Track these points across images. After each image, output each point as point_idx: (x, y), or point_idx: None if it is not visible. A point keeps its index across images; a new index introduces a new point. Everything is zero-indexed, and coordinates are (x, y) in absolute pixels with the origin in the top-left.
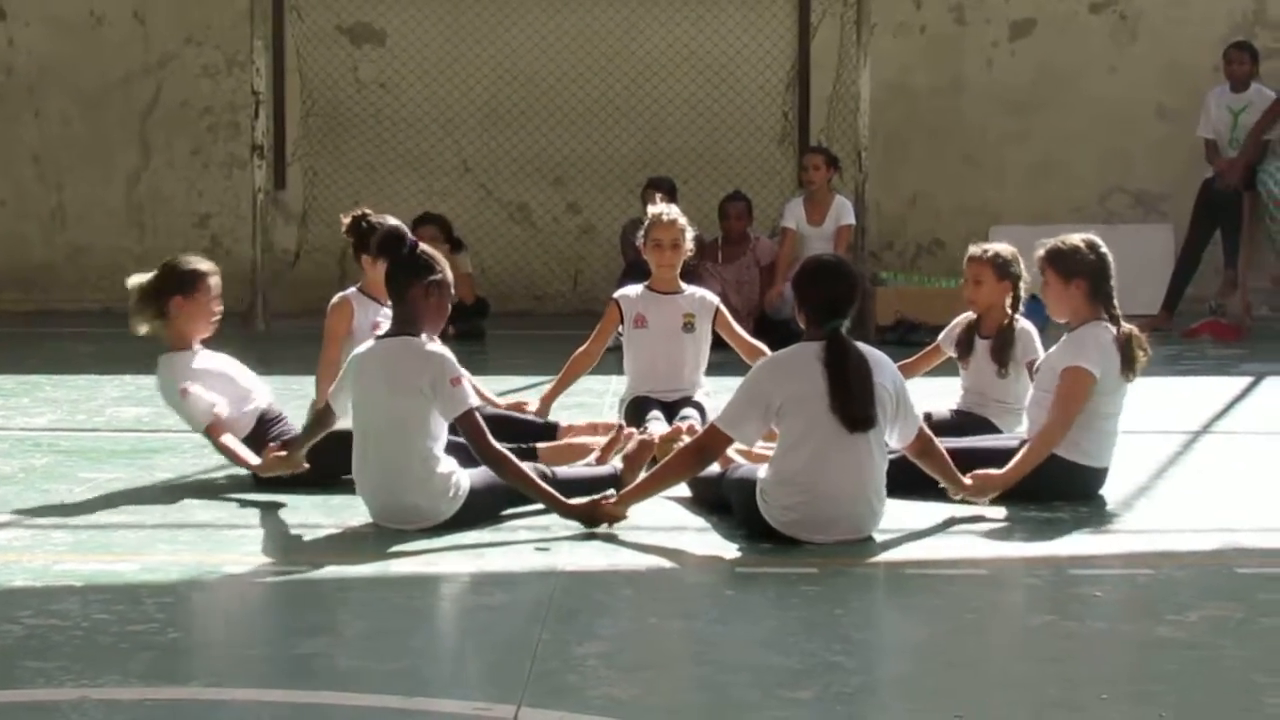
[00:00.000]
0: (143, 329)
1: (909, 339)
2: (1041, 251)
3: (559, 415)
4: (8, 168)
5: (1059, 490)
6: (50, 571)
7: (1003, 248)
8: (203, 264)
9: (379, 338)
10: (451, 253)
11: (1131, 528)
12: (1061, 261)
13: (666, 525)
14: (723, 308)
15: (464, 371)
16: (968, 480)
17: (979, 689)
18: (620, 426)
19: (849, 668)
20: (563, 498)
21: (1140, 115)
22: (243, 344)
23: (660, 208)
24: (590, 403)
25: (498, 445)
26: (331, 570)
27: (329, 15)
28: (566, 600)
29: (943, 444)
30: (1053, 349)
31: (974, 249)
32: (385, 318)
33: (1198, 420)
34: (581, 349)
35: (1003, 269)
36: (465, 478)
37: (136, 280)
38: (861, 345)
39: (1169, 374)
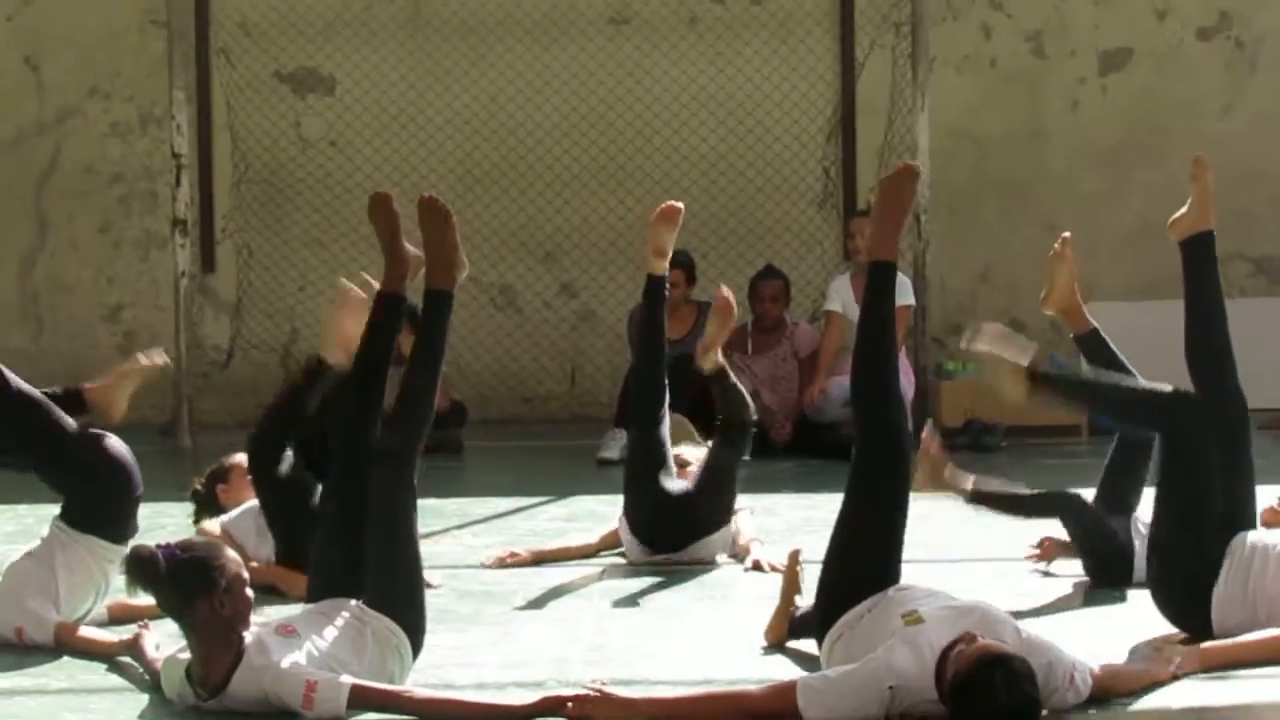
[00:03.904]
0: None
1: (982, 442)
2: None
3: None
4: None
5: None
6: None
7: None
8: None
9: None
10: None
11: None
12: None
13: (687, 681)
14: None
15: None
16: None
17: None
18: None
19: None
20: (504, 704)
21: (1263, 164)
22: (162, 462)
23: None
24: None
25: (403, 694)
26: None
27: (265, 60)
28: None
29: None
30: None
31: None
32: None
33: None
34: (579, 543)
35: None
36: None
37: None
38: None
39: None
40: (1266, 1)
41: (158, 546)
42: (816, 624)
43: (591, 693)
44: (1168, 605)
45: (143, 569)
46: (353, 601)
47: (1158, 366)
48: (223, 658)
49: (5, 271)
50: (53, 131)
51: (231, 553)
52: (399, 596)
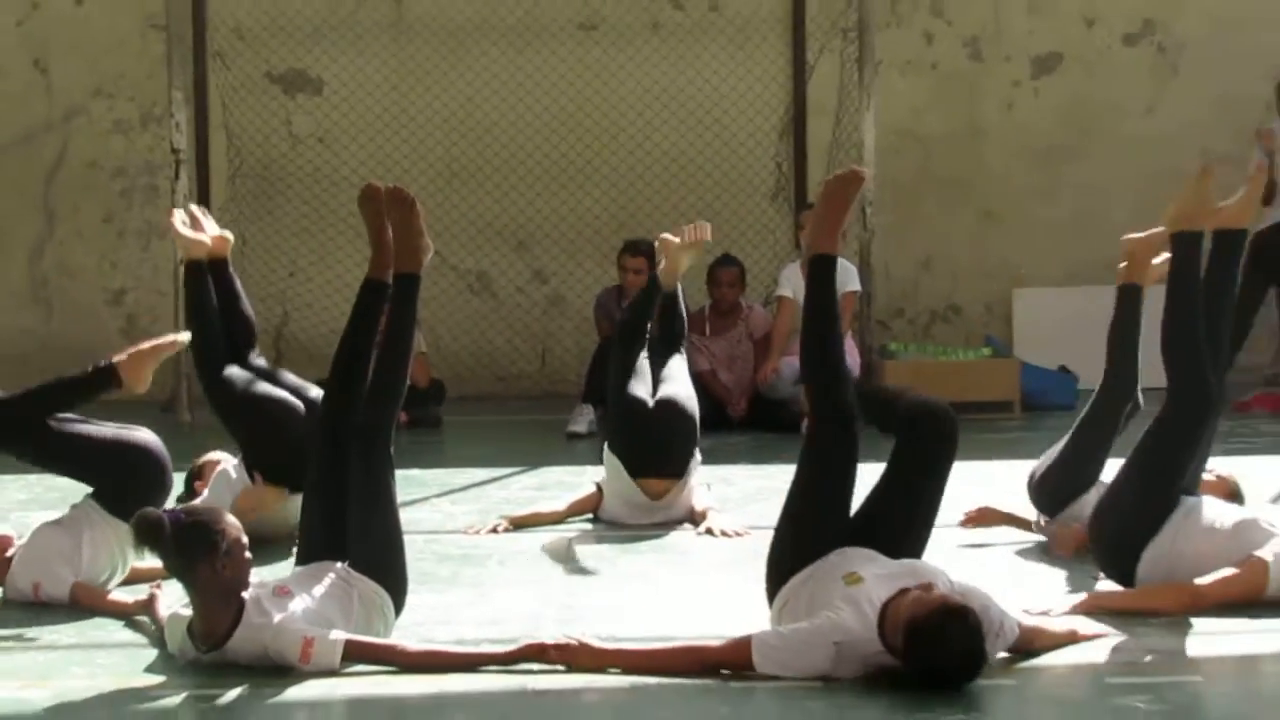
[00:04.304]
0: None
1: None
2: None
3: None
4: None
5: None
6: None
7: None
8: None
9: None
10: None
11: (1181, 629)
12: None
13: (652, 637)
14: None
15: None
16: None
17: None
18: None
19: None
20: (484, 652)
21: (1182, 160)
22: (164, 435)
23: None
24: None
25: (392, 648)
26: (269, 695)
27: (258, 62)
28: None
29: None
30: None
31: None
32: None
33: (1254, 506)
34: (549, 509)
35: None
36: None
37: None
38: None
39: (1219, 453)
40: (1187, 10)
41: (165, 512)
42: (768, 587)
43: (572, 643)
44: (1106, 554)
45: (149, 532)
46: (339, 564)
47: (1084, 345)
48: (223, 616)
49: (16, 259)
50: (60, 129)
51: (231, 518)
52: (382, 562)
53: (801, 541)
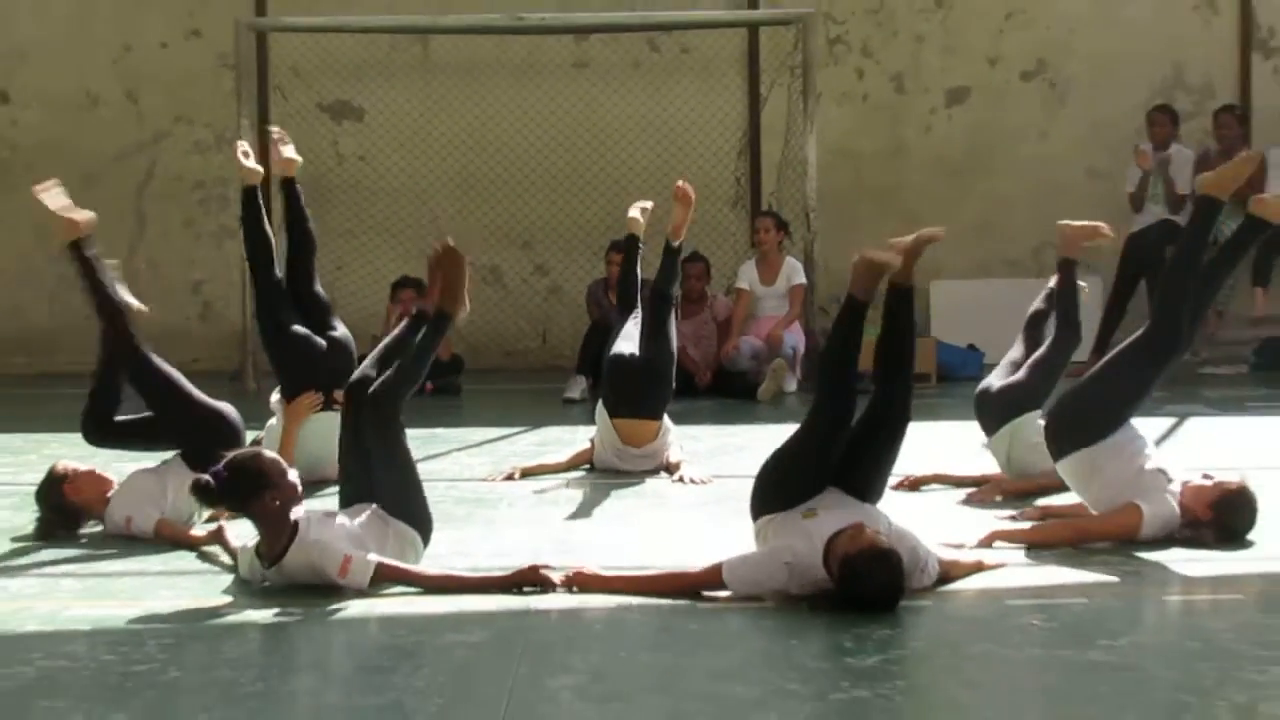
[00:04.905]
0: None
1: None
2: None
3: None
4: (11, 239)
5: None
6: (59, 617)
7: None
8: None
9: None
10: None
11: (1069, 560)
12: None
13: (634, 566)
14: None
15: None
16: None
17: (923, 712)
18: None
19: (803, 695)
20: (494, 575)
21: (1070, 175)
22: (234, 403)
23: None
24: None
25: (415, 572)
26: (319, 612)
27: (311, 94)
28: (541, 637)
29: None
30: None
31: None
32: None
33: (1175, 460)
34: (553, 461)
35: None
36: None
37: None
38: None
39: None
40: (1073, 52)
41: (210, 472)
42: (753, 507)
43: (583, 570)
44: (1054, 430)
45: (203, 493)
46: (375, 505)
47: (988, 327)
48: (281, 534)
49: (114, 255)
50: (149, 149)
51: (270, 454)
52: (408, 506)
53: (784, 480)
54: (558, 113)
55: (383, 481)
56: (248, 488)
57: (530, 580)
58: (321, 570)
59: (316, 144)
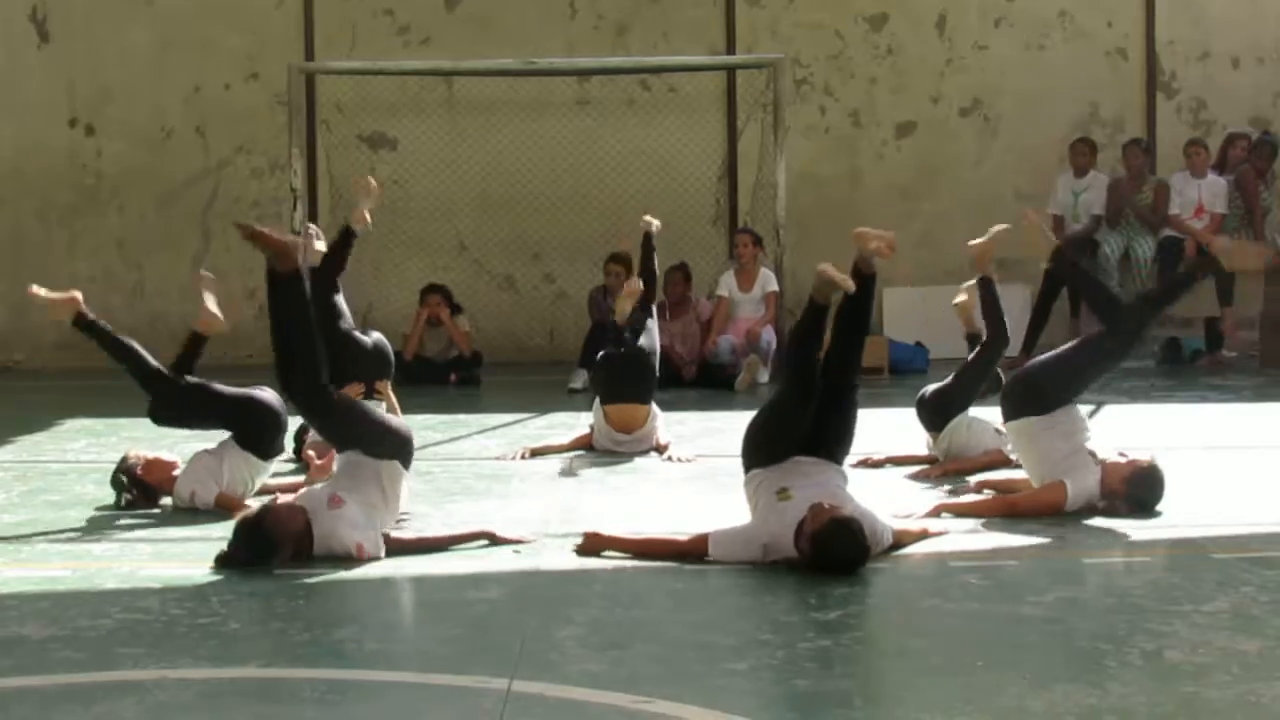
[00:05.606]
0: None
1: None
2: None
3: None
4: (97, 252)
5: None
6: (136, 576)
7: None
8: None
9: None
10: (452, 315)
11: (1001, 529)
12: None
13: (631, 532)
14: None
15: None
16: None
17: (877, 658)
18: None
19: (774, 644)
20: (492, 531)
21: (1001, 197)
22: (285, 399)
23: None
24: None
25: (425, 538)
26: (358, 572)
27: (352, 127)
28: (548, 594)
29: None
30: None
31: None
32: None
33: (1105, 442)
34: (559, 442)
35: None
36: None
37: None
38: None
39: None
40: (1004, 91)
41: (225, 554)
42: (744, 458)
43: (595, 533)
44: (1013, 391)
45: (227, 565)
46: (357, 450)
47: (936, 329)
48: (305, 547)
49: (183, 265)
50: (213, 175)
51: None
52: (380, 446)
53: (769, 439)
54: (563, 143)
55: (355, 440)
56: (268, 553)
57: (488, 538)
58: (343, 553)
59: (357, 169)
